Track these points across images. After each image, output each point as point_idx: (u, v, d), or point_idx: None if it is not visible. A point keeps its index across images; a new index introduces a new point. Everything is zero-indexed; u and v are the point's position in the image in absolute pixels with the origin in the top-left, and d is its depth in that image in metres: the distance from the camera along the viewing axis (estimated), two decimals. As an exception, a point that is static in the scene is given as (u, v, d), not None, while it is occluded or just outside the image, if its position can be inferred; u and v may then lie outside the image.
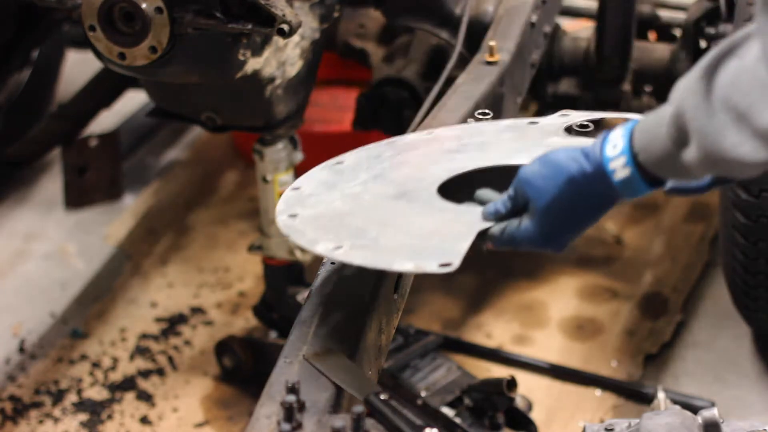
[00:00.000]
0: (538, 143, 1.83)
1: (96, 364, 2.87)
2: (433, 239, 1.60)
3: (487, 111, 2.03)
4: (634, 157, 1.48)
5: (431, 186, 1.73)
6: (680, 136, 1.42)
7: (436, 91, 2.34)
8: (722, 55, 1.38)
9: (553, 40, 2.98)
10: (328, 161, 1.84)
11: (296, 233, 1.64)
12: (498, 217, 1.60)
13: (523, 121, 1.96)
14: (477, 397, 2.48)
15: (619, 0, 2.89)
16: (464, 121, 2.02)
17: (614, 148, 1.50)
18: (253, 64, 2.30)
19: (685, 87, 1.42)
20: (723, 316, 2.91)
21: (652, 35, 3.17)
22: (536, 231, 1.56)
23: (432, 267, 1.51)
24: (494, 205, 1.61)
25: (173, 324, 2.99)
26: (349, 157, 1.85)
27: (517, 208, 1.59)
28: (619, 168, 1.49)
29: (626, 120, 1.91)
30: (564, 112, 1.98)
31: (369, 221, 1.66)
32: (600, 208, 1.55)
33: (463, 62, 2.41)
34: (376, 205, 1.71)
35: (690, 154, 1.41)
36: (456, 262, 1.51)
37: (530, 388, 2.71)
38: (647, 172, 1.48)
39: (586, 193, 1.53)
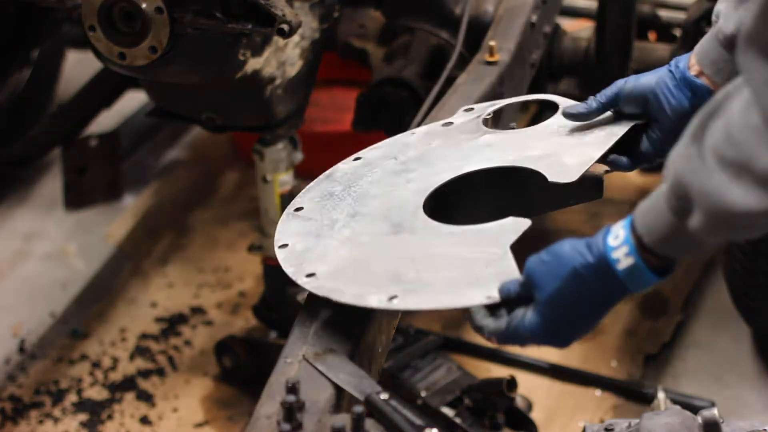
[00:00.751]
0: (475, 146, 1.87)
1: (96, 364, 2.87)
2: (473, 266, 1.60)
3: (472, 107, 2.01)
4: (637, 244, 1.46)
5: (417, 211, 1.73)
6: (682, 205, 1.40)
7: (436, 91, 2.34)
8: (706, 118, 1.37)
9: (553, 40, 2.98)
10: (287, 210, 1.80)
11: (335, 293, 1.61)
12: (508, 298, 1.55)
13: (438, 126, 1.96)
14: (477, 397, 2.48)
15: (619, 0, 2.89)
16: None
17: (616, 239, 1.47)
18: (253, 64, 2.31)
19: (678, 156, 1.41)
20: (723, 316, 2.90)
21: (652, 35, 3.17)
22: (540, 324, 1.52)
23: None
24: (507, 285, 1.56)
25: (173, 324, 2.99)
26: (305, 203, 1.81)
27: (527, 296, 1.54)
28: (622, 257, 1.46)
29: (522, 102, 2.04)
30: (466, 107, 2.00)
31: (395, 263, 1.64)
32: (605, 303, 1.51)
33: (463, 62, 2.41)
34: (385, 245, 1.69)
35: (695, 220, 1.39)
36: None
37: (530, 388, 2.71)
38: (653, 258, 1.46)
39: (590, 285, 1.49)
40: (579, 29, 3.17)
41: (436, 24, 2.60)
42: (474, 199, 1.88)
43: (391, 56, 3.00)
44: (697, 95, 1.78)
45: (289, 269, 1.67)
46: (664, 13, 3.16)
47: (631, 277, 1.48)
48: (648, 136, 1.83)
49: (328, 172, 1.89)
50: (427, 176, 1.82)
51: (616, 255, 1.47)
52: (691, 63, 1.81)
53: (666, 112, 1.79)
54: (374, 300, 1.58)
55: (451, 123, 1.96)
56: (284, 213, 1.80)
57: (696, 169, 1.37)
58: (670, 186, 1.42)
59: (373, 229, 1.73)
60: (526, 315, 1.53)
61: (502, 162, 1.83)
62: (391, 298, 1.57)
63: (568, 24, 3.32)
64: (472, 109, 1.99)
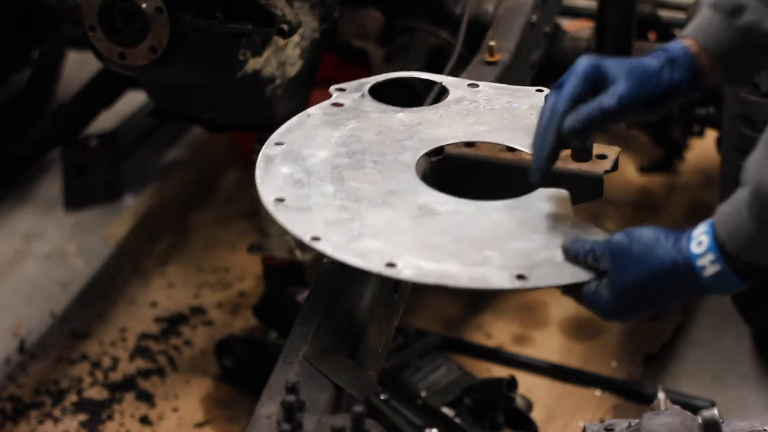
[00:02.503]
0: (401, 123, 1.90)
1: (96, 364, 2.87)
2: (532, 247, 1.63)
3: (343, 87, 2.02)
4: (721, 252, 1.47)
5: (429, 191, 1.73)
6: (764, 214, 1.41)
7: (436, 91, 2.34)
8: None
9: (553, 40, 2.98)
10: (269, 202, 1.73)
11: (445, 278, 1.58)
12: (576, 260, 1.59)
13: (328, 106, 1.96)
14: (477, 397, 2.48)
15: (619, 0, 2.89)
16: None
17: (699, 246, 1.49)
18: (253, 64, 2.31)
19: (757, 164, 1.42)
20: (723, 316, 2.90)
21: (652, 35, 3.17)
22: (609, 305, 1.56)
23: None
24: (580, 246, 1.59)
25: (173, 324, 2.99)
26: (278, 193, 1.76)
27: (596, 268, 1.58)
28: (708, 264, 1.48)
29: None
30: (337, 86, 2.01)
31: (478, 243, 1.63)
32: (681, 300, 1.56)
33: (463, 62, 2.41)
34: (444, 226, 1.66)
35: None
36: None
37: (530, 388, 2.71)
38: (737, 263, 1.47)
39: (671, 286, 1.52)
40: (579, 29, 3.17)
41: (436, 24, 2.61)
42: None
43: (391, 56, 3.00)
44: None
45: (357, 261, 1.59)
46: (664, 13, 3.16)
47: (716, 283, 1.49)
48: None
49: (262, 159, 1.84)
50: (389, 157, 1.81)
51: (701, 263, 1.48)
52: (693, 48, 1.68)
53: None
54: (498, 280, 1.57)
55: (341, 104, 1.95)
56: (270, 206, 1.72)
57: None
58: (751, 194, 1.43)
59: (403, 214, 1.69)
60: (601, 291, 1.56)
61: (458, 138, 1.87)
62: (519, 276, 1.56)
63: (568, 24, 3.32)
64: (344, 89, 2.00)
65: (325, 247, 1.62)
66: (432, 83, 2.12)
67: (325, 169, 1.78)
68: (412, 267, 1.58)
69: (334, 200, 1.71)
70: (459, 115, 1.92)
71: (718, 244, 1.47)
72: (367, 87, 2.00)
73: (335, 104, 1.96)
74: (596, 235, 1.62)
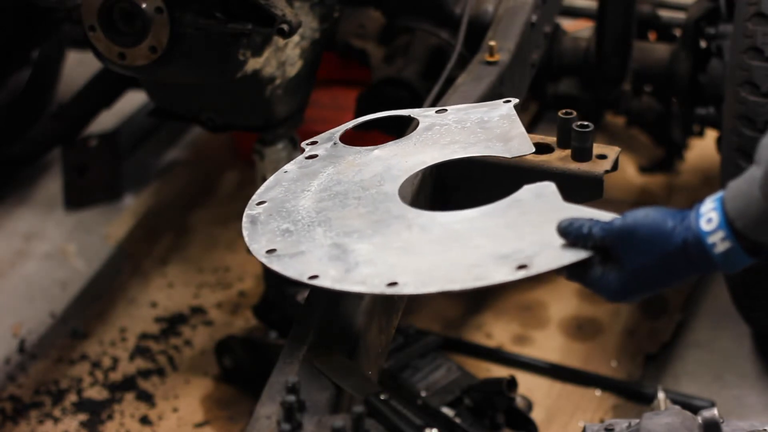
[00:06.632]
0: (380, 157, 1.90)
1: (96, 364, 2.87)
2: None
3: (314, 139, 2.02)
4: (731, 229, 1.46)
5: (418, 212, 1.73)
6: None
7: (436, 91, 2.35)
8: None
9: (553, 40, 2.98)
10: (262, 255, 1.75)
11: (447, 283, 1.59)
12: (576, 243, 1.57)
13: (303, 160, 1.96)
14: (477, 397, 2.48)
15: (619, 0, 2.90)
16: None
17: (709, 223, 1.48)
18: (253, 64, 2.31)
19: None
20: (723, 316, 2.90)
21: (652, 35, 3.18)
22: (618, 287, 1.56)
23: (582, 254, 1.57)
24: (576, 228, 1.57)
25: (173, 324, 2.99)
26: (269, 245, 1.76)
27: (597, 249, 1.56)
28: (719, 242, 1.47)
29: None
30: (308, 141, 2.00)
31: (474, 248, 1.63)
32: (690, 277, 1.54)
33: (463, 62, 2.41)
34: (436, 241, 1.67)
35: None
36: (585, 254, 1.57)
37: (530, 388, 2.71)
38: (746, 241, 1.47)
39: (682, 265, 1.51)
40: (579, 29, 3.17)
41: (436, 24, 2.60)
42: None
43: (391, 56, 3.00)
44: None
45: (359, 288, 1.62)
46: (664, 13, 3.17)
47: (726, 260, 1.48)
48: None
49: (247, 219, 1.85)
50: (371, 191, 1.82)
51: (712, 240, 1.48)
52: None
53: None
54: (500, 274, 1.57)
55: (315, 155, 1.96)
56: (263, 259, 1.74)
57: None
58: (763, 175, 1.42)
59: (394, 238, 1.70)
60: (608, 275, 1.56)
61: (436, 159, 1.87)
62: (520, 267, 1.56)
63: (568, 24, 3.33)
64: (316, 142, 2.01)
65: (325, 283, 1.64)
66: (431, 81, 2.12)
67: (310, 216, 1.80)
68: (412, 281, 1.60)
69: (324, 240, 1.73)
70: (432, 139, 1.93)
71: (728, 221, 1.46)
72: (338, 135, 2.01)
73: (309, 157, 1.96)
74: (591, 214, 1.61)
